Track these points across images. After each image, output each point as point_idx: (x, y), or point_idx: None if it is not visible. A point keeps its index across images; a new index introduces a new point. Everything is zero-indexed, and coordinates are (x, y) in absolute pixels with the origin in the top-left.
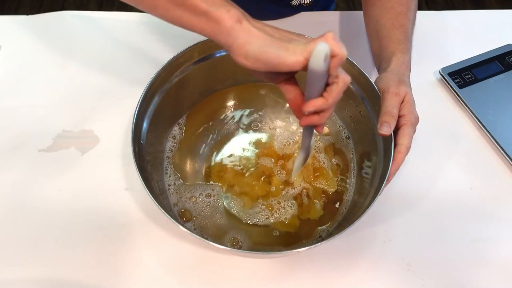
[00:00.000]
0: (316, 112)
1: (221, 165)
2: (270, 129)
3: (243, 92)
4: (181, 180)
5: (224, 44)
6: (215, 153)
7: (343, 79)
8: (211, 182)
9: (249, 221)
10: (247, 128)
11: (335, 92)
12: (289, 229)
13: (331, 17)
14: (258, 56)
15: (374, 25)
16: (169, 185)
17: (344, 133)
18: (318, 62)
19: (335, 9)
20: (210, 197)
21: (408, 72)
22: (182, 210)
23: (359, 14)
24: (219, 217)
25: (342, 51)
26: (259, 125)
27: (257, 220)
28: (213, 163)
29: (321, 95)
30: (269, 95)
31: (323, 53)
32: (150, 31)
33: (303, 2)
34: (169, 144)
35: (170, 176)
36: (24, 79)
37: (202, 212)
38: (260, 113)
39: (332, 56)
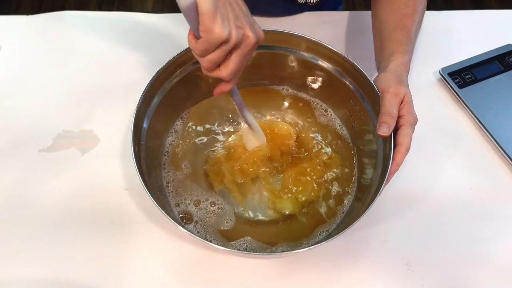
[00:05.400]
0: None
1: (216, 159)
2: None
3: (245, 94)
4: (181, 179)
5: None
6: (212, 150)
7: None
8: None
9: (251, 216)
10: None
11: None
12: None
13: (334, 17)
14: None
15: (378, 26)
16: (168, 183)
17: (344, 133)
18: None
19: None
20: (215, 205)
21: (406, 73)
22: (184, 212)
23: (361, 14)
24: (221, 218)
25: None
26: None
27: (258, 215)
28: (211, 159)
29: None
30: (275, 98)
31: None
32: (150, 31)
33: (309, 0)
34: (169, 143)
35: (170, 176)
36: (24, 79)
37: (202, 214)
38: (263, 114)
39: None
